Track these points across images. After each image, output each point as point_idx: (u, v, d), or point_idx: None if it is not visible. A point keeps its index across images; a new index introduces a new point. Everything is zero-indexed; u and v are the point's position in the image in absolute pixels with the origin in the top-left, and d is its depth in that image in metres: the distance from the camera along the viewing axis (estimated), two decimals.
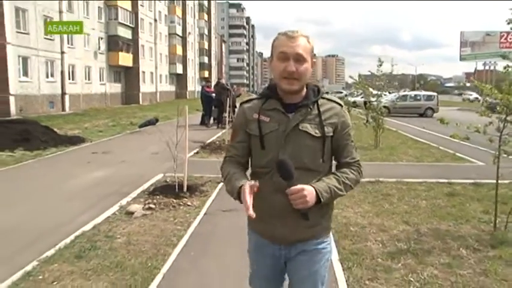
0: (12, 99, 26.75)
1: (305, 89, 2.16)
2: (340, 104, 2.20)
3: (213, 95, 20.17)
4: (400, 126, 20.97)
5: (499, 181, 5.70)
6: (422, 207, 6.73)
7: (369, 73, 14.73)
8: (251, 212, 1.87)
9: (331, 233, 2.28)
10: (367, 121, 13.95)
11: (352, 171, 2.17)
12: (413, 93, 35.24)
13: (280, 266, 2.26)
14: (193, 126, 16.95)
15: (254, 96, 2.33)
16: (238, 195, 2.02)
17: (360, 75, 17.22)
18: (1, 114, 24.91)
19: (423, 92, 35.69)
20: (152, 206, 6.51)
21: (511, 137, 5.49)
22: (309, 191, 1.94)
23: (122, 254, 4.77)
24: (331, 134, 2.13)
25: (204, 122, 20.23)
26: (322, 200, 1.99)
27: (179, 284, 4.11)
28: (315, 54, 2.20)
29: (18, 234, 5.54)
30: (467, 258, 4.70)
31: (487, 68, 62.40)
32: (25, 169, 10.00)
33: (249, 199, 1.90)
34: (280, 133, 2.10)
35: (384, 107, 29.38)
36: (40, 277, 4.18)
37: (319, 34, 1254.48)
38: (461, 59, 54.56)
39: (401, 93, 35.34)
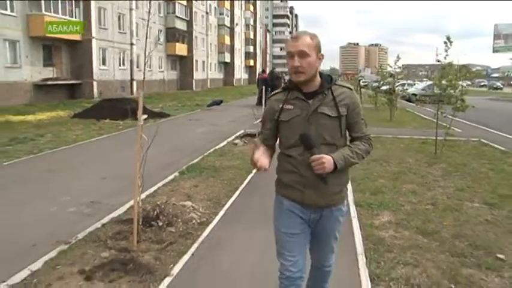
0: (95, 84, 32.30)
1: (319, 79, 2.57)
2: (350, 88, 2.62)
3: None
4: (419, 110, 25.15)
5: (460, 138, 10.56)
6: (401, 147, 11.47)
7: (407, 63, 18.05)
8: (260, 165, 2.49)
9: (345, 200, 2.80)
10: (386, 103, 18.51)
11: (363, 143, 2.63)
12: None
13: (307, 226, 2.71)
14: (252, 106, 21.90)
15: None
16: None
17: (381, 66, 21.48)
18: (87, 96, 30.57)
19: None
20: (246, 141, 11.64)
21: (443, 104, 10.19)
22: (327, 159, 2.41)
23: (240, 155, 9.90)
24: (346, 113, 2.56)
25: (260, 102, 25.14)
26: (338, 166, 2.45)
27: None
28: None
29: (185, 149, 10.89)
30: (410, 162, 9.49)
31: None
32: (149, 128, 15.09)
33: (257, 155, 2.54)
34: (304, 117, 2.53)
35: (413, 94, 33.81)
36: (205, 161, 9.30)
37: (363, 23, 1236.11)
38: (495, 51, 55.54)
39: (428, 82, 39.11)
